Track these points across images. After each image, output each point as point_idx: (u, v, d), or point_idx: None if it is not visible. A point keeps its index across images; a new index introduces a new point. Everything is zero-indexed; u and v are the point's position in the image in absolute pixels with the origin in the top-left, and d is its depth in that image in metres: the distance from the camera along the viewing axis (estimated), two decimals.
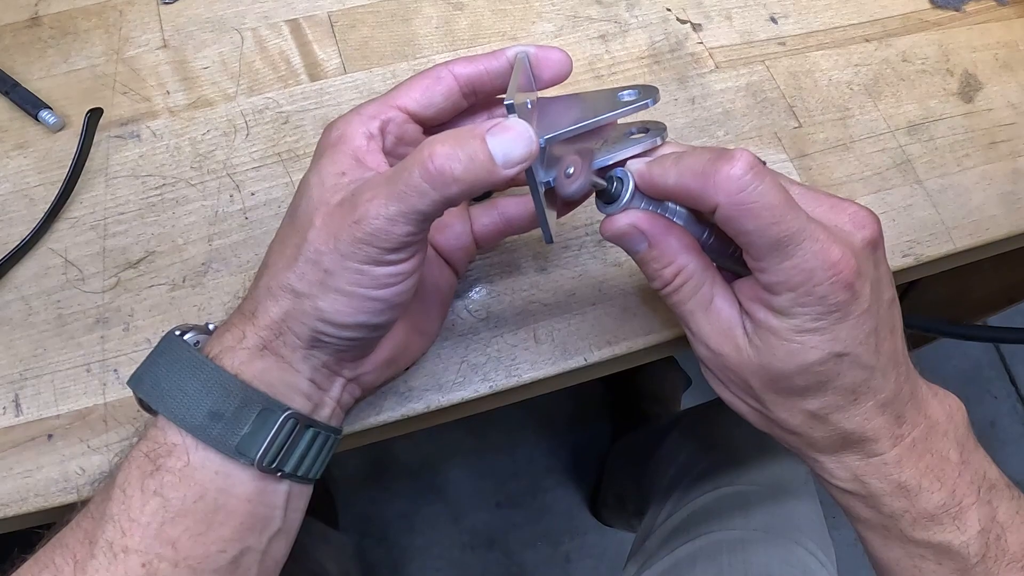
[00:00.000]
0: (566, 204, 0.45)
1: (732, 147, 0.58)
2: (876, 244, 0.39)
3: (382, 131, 0.42)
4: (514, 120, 0.37)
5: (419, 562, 1.59)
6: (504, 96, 0.39)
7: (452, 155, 0.36)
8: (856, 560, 1.64)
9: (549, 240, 0.43)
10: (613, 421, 1.70)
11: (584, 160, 0.42)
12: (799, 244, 0.36)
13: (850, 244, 0.38)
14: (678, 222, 0.42)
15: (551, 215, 0.43)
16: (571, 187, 0.41)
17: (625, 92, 0.44)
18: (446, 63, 0.43)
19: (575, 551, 1.64)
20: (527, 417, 1.71)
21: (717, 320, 0.41)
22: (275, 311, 0.39)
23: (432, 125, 0.45)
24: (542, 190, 0.41)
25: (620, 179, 0.42)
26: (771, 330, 0.39)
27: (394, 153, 0.43)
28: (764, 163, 0.37)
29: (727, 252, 0.42)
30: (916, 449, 0.42)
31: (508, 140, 0.37)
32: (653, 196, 0.41)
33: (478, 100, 0.45)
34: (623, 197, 0.41)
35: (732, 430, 0.99)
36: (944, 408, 0.44)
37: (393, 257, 0.38)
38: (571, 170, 0.41)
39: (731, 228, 0.37)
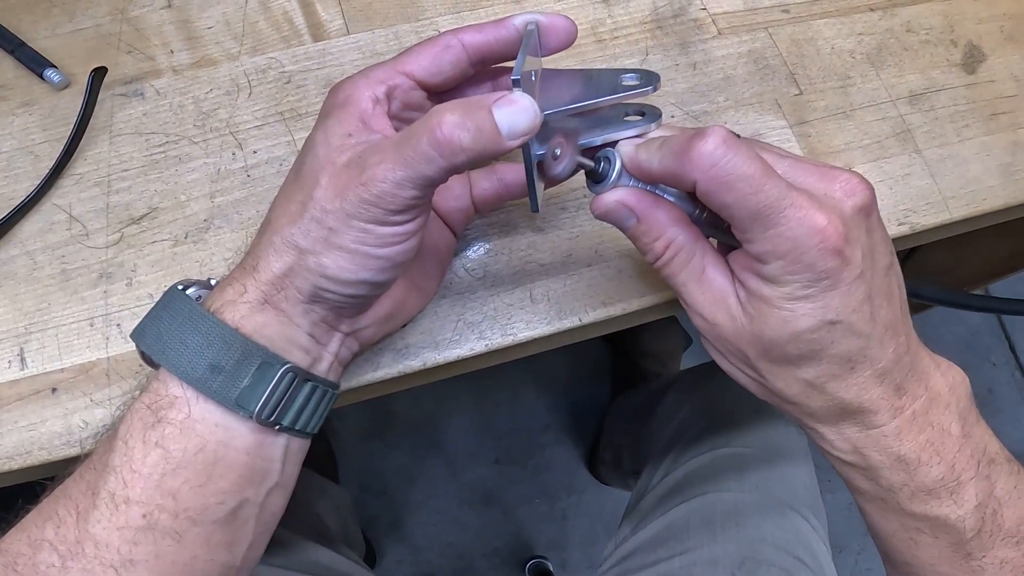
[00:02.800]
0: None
1: (732, 113, 0.59)
2: (868, 211, 0.39)
3: (388, 96, 0.42)
4: (519, 94, 0.39)
5: (417, 517, 1.61)
6: (511, 66, 0.41)
7: (460, 124, 0.37)
8: (849, 525, 1.67)
9: (535, 209, 0.44)
10: (613, 379, 1.71)
11: (570, 142, 0.43)
12: (781, 212, 0.36)
13: (838, 211, 0.38)
14: (669, 199, 0.43)
15: (540, 186, 0.44)
16: (557, 168, 0.42)
17: (627, 75, 0.45)
18: (454, 31, 0.44)
19: (572, 509, 1.66)
20: (527, 374, 1.72)
21: (710, 290, 0.42)
22: (278, 266, 0.40)
23: (438, 92, 0.45)
24: (535, 161, 0.42)
25: (608, 159, 0.42)
26: (763, 298, 0.39)
27: (399, 117, 0.43)
28: (738, 136, 0.38)
29: (721, 226, 0.43)
30: (916, 422, 0.42)
31: (514, 112, 0.38)
32: (642, 180, 0.43)
33: (485, 68, 0.46)
34: (610, 177, 0.42)
35: (730, 392, 1.00)
36: (947, 380, 0.43)
37: (397, 218, 0.39)
38: (558, 151, 0.42)
39: (712, 203, 0.38)
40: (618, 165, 0.42)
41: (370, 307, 0.45)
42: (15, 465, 0.48)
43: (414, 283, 0.48)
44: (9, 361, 0.51)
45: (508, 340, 0.53)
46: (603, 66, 0.61)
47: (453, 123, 0.37)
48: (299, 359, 0.41)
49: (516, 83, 0.39)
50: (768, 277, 0.39)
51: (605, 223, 0.55)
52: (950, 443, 0.42)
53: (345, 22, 0.62)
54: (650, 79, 0.45)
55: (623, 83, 0.45)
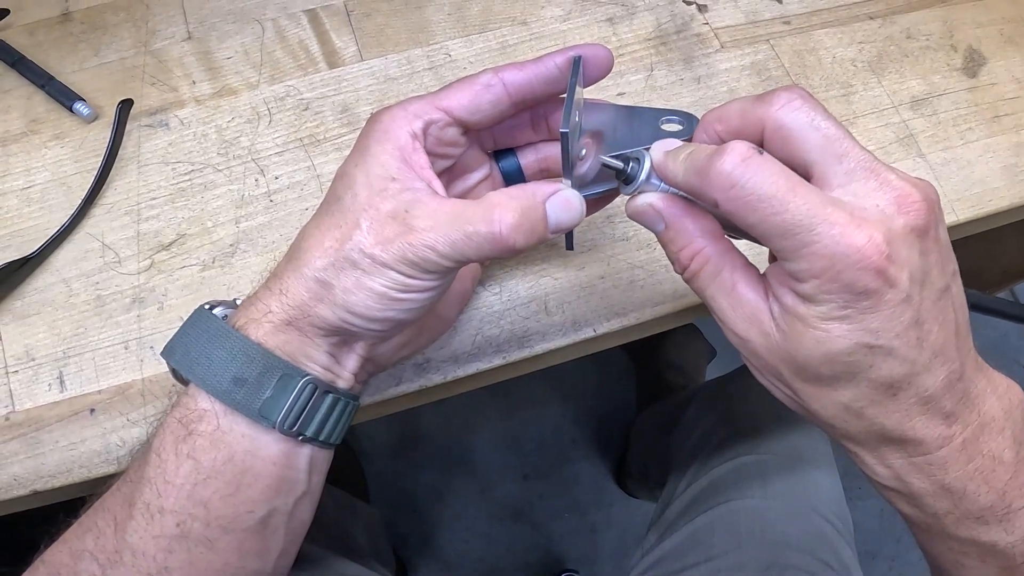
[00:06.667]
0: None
1: None
2: (923, 229, 0.36)
3: (424, 131, 0.43)
4: (571, 192, 0.41)
5: (448, 533, 1.62)
6: (559, 117, 0.41)
7: (519, 227, 0.39)
8: (882, 531, 1.66)
9: (570, 247, 0.46)
10: (638, 392, 1.71)
11: (596, 142, 0.43)
12: (812, 230, 0.34)
13: (884, 227, 0.35)
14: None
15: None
16: (582, 168, 0.43)
17: (669, 118, 0.45)
18: (495, 69, 0.44)
19: (601, 522, 1.66)
20: (553, 389, 1.73)
21: (740, 306, 0.40)
22: (306, 295, 0.40)
23: (475, 130, 0.46)
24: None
25: (637, 160, 0.42)
26: (798, 316, 0.37)
27: (432, 152, 0.44)
28: (761, 151, 0.36)
29: None
30: (966, 451, 0.39)
31: (563, 212, 0.40)
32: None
33: (526, 108, 0.46)
34: (639, 178, 0.41)
35: (751, 400, 1.00)
36: (1003, 404, 0.40)
37: (431, 275, 0.40)
38: (583, 152, 0.42)
39: (736, 222, 0.37)
40: (647, 167, 0.41)
41: (392, 337, 0.46)
42: (57, 483, 0.50)
43: (435, 311, 0.49)
44: (49, 384, 0.53)
45: (525, 352, 0.54)
46: (631, 100, 0.62)
47: (513, 226, 0.38)
48: (319, 374, 0.42)
49: (564, 137, 0.40)
50: (804, 295, 0.36)
51: (615, 235, 0.57)
52: (1001, 471, 0.40)
53: (359, 49, 0.64)
54: (691, 124, 0.45)
55: (663, 126, 0.45)
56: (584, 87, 0.45)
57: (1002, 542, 0.40)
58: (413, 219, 0.39)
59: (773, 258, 0.41)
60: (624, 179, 0.43)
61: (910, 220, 0.35)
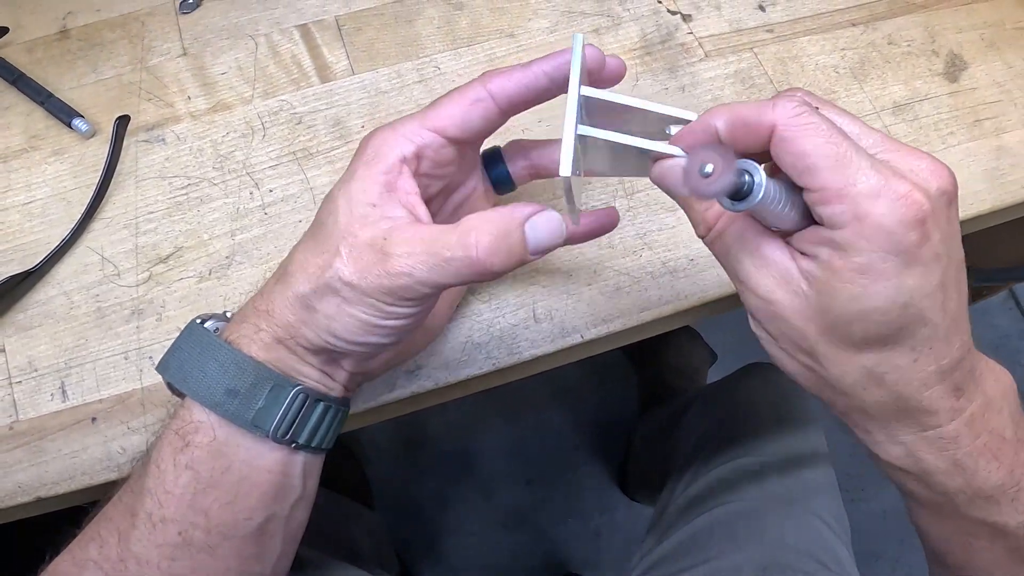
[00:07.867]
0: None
1: None
2: (951, 197, 0.37)
3: (417, 156, 0.43)
4: (551, 214, 0.40)
5: (452, 540, 1.63)
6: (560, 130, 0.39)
7: (494, 250, 0.38)
8: (885, 533, 1.66)
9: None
10: (639, 397, 1.72)
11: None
12: (860, 170, 0.34)
13: (923, 187, 0.35)
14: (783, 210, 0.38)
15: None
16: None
17: (676, 126, 0.42)
18: (483, 80, 0.43)
19: (605, 527, 1.66)
20: (555, 394, 1.73)
21: (766, 266, 0.40)
22: (291, 318, 0.41)
23: (469, 143, 0.46)
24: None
25: (749, 172, 0.37)
26: (833, 271, 0.36)
27: (430, 175, 0.44)
28: (817, 108, 0.37)
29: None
30: (974, 426, 0.39)
31: (543, 232, 0.40)
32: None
33: (516, 112, 0.46)
34: (756, 193, 0.37)
35: (750, 403, 1.01)
36: (999, 385, 0.41)
37: (410, 303, 0.40)
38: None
39: (789, 151, 0.36)
40: (762, 178, 0.37)
41: (379, 354, 0.47)
42: (60, 490, 0.52)
43: (423, 321, 0.49)
44: (51, 394, 0.54)
45: (514, 359, 0.55)
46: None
47: (488, 248, 0.38)
48: (310, 385, 0.43)
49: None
50: (842, 244, 0.36)
51: (601, 243, 0.57)
52: (1007, 448, 0.40)
53: (350, 63, 0.65)
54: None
55: (669, 134, 0.42)
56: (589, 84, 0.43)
57: (1012, 523, 0.41)
58: (391, 246, 0.39)
59: None
60: (738, 196, 0.38)
61: (943, 184, 0.36)
